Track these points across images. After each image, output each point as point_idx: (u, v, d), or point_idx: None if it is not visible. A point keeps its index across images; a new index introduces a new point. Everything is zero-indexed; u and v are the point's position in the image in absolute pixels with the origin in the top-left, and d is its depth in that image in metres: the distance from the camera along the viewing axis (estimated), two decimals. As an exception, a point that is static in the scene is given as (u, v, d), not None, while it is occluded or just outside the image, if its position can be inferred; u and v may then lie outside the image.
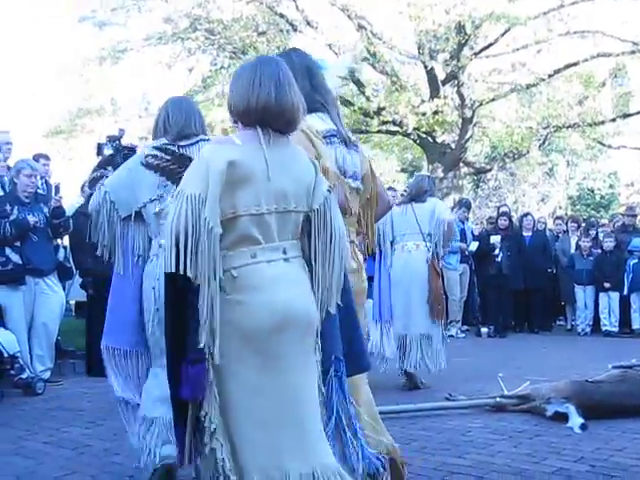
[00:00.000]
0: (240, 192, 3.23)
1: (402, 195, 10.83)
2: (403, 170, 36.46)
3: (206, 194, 3.12)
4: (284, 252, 3.34)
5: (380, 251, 8.89)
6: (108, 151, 5.90)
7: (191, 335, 3.11)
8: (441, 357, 8.59)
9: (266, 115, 3.31)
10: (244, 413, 3.18)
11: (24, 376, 8.18)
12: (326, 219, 3.41)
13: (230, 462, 3.12)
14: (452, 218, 9.24)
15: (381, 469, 3.62)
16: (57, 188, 9.09)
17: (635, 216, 17.06)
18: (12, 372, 8.11)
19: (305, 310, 3.33)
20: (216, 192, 3.14)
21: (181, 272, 3.06)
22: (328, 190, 3.46)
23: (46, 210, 8.62)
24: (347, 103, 24.13)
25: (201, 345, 3.08)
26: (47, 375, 8.67)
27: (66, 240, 9.64)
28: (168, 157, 4.29)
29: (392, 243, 8.95)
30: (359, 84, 24.09)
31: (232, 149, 3.27)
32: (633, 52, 23.33)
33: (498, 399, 7.15)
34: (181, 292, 3.15)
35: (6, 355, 8.07)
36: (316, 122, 4.03)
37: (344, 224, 3.61)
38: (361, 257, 4.20)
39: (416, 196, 9.01)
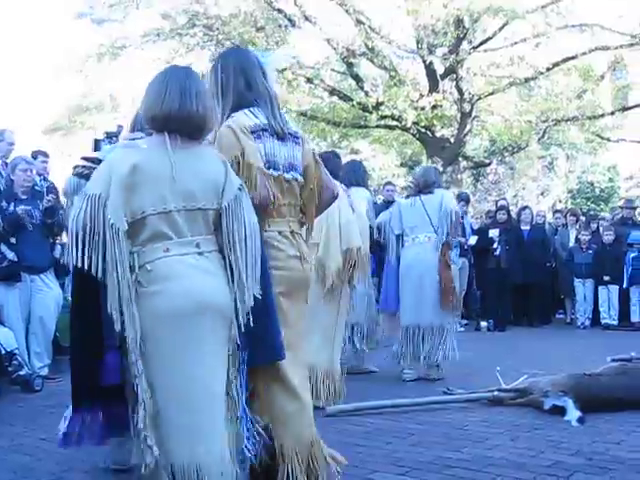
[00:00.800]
0: (147, 193, 3.48)
1: (405, 189, 10.92)
2: (402, 165, 36.39)
3: (107, 194, 3.40)
4: (197, 246, 3.58)
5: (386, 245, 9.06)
6: (106, 147, 5.88)
7: (105, 325, 3.45)
8: (452, 348, 8.62)
9: (171, 122, 3.60)
10: (168, 395, 3.42)
11: (22, 373, 8.16)
12: (237, 215, 3.64)
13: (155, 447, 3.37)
14: (457, 208, 9.26)
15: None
16: (49, 188, 9.06)
17: (634, 209, 17.07)
18: (10, 369, 8.10)
19: (219, 301, 3.55)
20: (117, 192, 3.40)
21: (86, 268, 3.34)
22: (239, 188, 3.70)
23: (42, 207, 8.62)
24: (346, 98, 24.21)
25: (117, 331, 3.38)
26: (45, 372, 8.67)
27: (65, 237, 9.64)
28: (96, 166, 4.35)
29: (401, 235, 9.00)
30: (358, 79, 24.11)
31: (137, 153, 3.57)
32: (631, 45, 23.31)
33: (496, 393, 7.14)
34: (92, 285, 3.46)
35: (4, 352, 8.06)
36: (245, 118, 4.17)
37: (291, 215, 4.17)
38: (304, 247, 4.30)
39: (424, 188, 9.03)
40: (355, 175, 9.04)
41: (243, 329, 3.61)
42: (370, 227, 8.50)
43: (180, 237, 3.54)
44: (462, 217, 14.35)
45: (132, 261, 3.46)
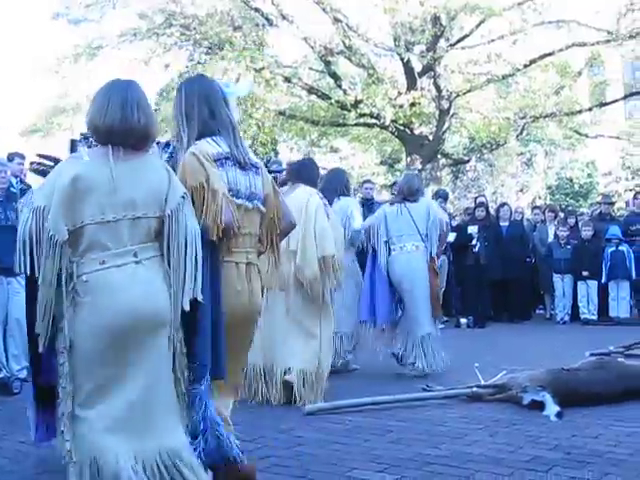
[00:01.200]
0: (86, 203, 3.66)
1: (385, 187, 11.03)
2: (382, 163, 36.43)
3: (50, 206, 3.60)
4: (135, 255, 3.73)
5: (373, 250, 9.04)
6: (83, 149, 5.84)
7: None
8: (438, 354, 8.72)
9: (113, 135, 3.76)
10: (88, 399, 3.63)
11: (0, 375, 8.13)
12: (179, 222, 3.80)
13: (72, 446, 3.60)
14: (446, 217, 9.37)
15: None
16: (23, 190, 8.98)
17: (612, 204, 17.18)
18: (-12, 372, 8.08)
19: (153, 309, 3.72)
20: (58, 203, 3.60)
21: (36, 274, 3.60)
22: (182, 196, 3.85)
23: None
24: (324, 96, 24.18)
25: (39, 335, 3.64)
26: (23, 374, 8.59)
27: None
28: (52, 164, 4.39)
29: (386, 243, 9.00)
30: (336, 77, 24.10)
31: (78, 164, 3.74)
32: (608, 41, 23.42)
33: (475, 389, 7.15)
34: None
35: (-19, 355, 8.03)
36: (208, 146, 4.31)
37: (250, 245, 4.32)
38: (257, 281, 4.43)
39: (408, 195, 9.10)
40: (340, 185, 9.05)
41: (177, 331, 3.82)
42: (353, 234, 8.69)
43: (118, 247, 3.70)
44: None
45: (72, 270, 3.64)
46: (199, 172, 4.17)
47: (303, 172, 7.76)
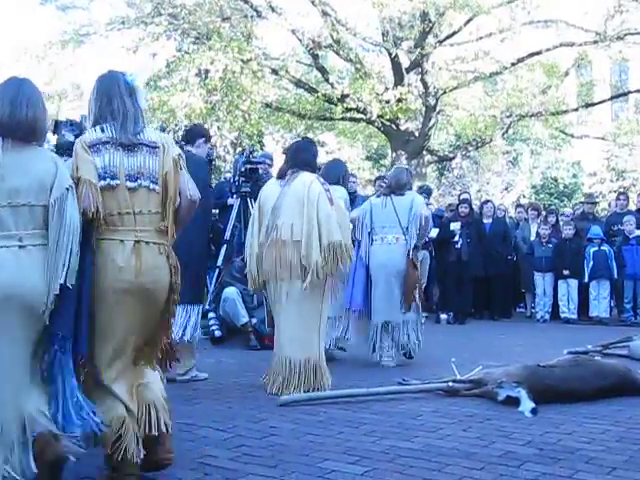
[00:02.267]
0: None
1: (370, 182, 11.11)
2: (368, 158, 36.51)
3: None
4: (20, 240, 4.05)
5: (357, 241, 9.15)
6: (69, 135, 5.80)
7: None
8: (419, 341, 8.99)
9: (2, 128, 4.14)
10: None
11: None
12: (60, 212, 4.09)
13: None
14: (428, 213, 9.44)
15: (98, 431, 4.17)
16: None
17: (595, 204, 17.22)
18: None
19: (29, 291, 4.00)
20: None
21: None
22: (67, 188, 4.14)
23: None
24: (311, 90, 24.16)
25: None
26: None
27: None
28: None
29: (369, 234, 9.19)
30: (323, 71, 24.11)
31: None
32: (596, 42, 23.48)
33: (450, 384, 7.13)
34: None
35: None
36: (89, 134, 4.54)
37: (141, 224, 4.37)
38: (153, 259, 4.44)
39: (396, 189, 9.23)
40: (337, 174, 9.08)
41: (48, 314, 4.05)
42: None
43: (3, 231, 4.03)
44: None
45: None
46: (74, 161, 4.45)
47: (300, 155, 7.75)
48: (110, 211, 4.35)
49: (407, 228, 9.01)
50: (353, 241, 8.91)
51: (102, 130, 4.51)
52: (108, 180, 4.37)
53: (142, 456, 4.33)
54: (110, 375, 4.37)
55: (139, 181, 4.43)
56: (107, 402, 4.34)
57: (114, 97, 4.58)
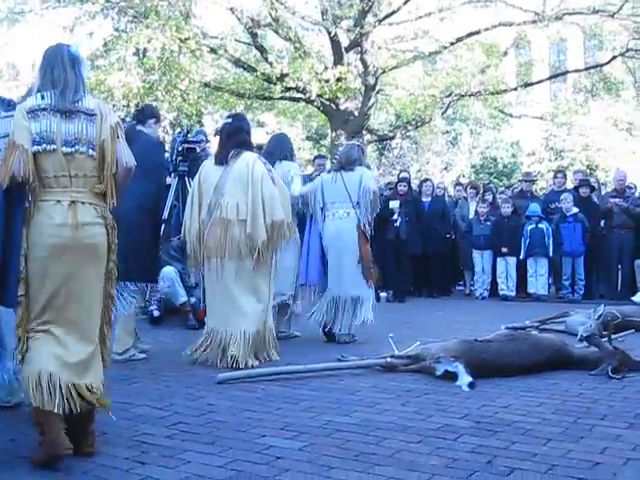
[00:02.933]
0: None
1: (309, 162, 11.23)
2: (308, 138, 36.50)
3: None
4: None
5: (311, 216, 9.42)
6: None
7: None
8: (370, 314, 9.06)
9: None
10: None
11: None
12: None
13: None
14: (376, 187, 9.51)
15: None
16: None
17: (533, 182, 17.37)
18: None
19: None
20: None
21: None
22: None
23: None
24: (250, 69, 23.99)
25: None
26: None
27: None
28: None
29: (322, 209, 9.34)
30: (262, 50, 23.96)
31: None
32: (534, 22, 23.62)
33: (389, 359, 7.15)
34: None
35: None
36: (29, 101, 4.69)
37: (76, 186, 4.56)
38: (88, 216, 4.64)
39: (346, 164, 9.33)
40: (283, 149, 9.38)
41: None
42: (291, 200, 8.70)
43: None
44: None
45: None
46: (12, 127, 4.66)
47: (235, 137, 7.88)
48: (47, 174, 4.54)
49: (357, 203, 9.17)
50: (304, 216, 9.41)
51: (42, 97, 4.65)
52: (44, 145, 4.53)
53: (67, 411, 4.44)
54: (44, 327, 4.54)
55: (76, 147, 4.58)
56: (35, 354, 4.51)
57: (56, 67, 4.72)
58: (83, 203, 4.60)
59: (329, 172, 9.67)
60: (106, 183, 4.68)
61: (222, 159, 7.79)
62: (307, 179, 10.58)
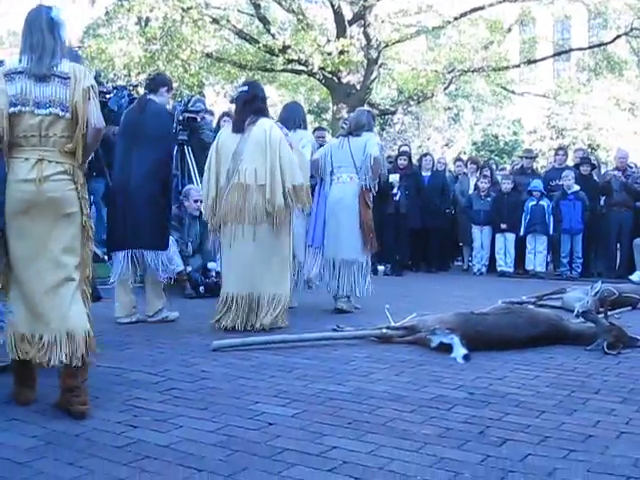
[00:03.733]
0: None
1: (314, 136, 11.28)
2: (310, 111, 36.30)
3: None
4: None
5: (321, 180, 9.57)
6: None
7: None
8: (367, 283, 9.24)
9: None
10: None
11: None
12: None
13: None
14: (378, 154, 9.46)
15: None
16: None
17: (533, 158, 17.31)
18: None
19: None
20: None
21: None
22: None
23: None
24: (253, 41, 23.89)
25: None
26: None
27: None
28: None
29: (330, 174, 9.43)
30: (265, 21, 23.84)
31: None
32: (539, -1, 23.52)
33: (384, 330, 7.14)
34: None
35: None
36: (7, 64, 4.92)
37: (45, 145, 4.74)
38: (54, 175, 4.79)
39: (354, 130, 9.42)
40: (297, 118, 9.51)
41: None
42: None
43: None
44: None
45: None
46: None
47: (252, 105, 7.97)
48: (18, 134, 4.74)
49: (360, 168, 9.24)
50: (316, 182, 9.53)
51: (20, 61, 4.83)
52: (19, 107, 4.73)
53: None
54: (23, 278, 4.79)
55: (50, 109, 4.76)
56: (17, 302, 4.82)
57: (35, 31, 4.86)
58: (50, 161, 4.77)
59: (337, 137, 9.80)
60: (75, 143, 4.82)
61: (239, 126, 7.90)
62: (318, 148, 10.66)
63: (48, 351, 4.63)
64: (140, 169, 7.90)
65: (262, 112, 7.98)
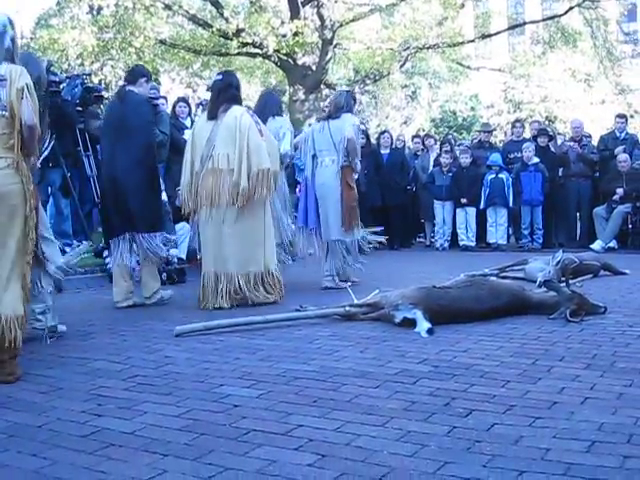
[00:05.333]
0: None
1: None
2: (267, 95, 36.21)
3: None
4: None
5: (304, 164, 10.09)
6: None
7: None
8: (356, 260, 9.89)
9: None
10: None
11: None
12: None
13: None
14: (352, 135, 9.62)
15: None
16: None
17: (491, 132, 17.39)
18: None
19: None
20: None
21: None
22: None
23: None
24: (206, 25, 23.76)
25: None
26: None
27: None
28: None
29: (314, 157, 9.75)
30: (217, 5, 23.70)
31: None
32: (491, -28, 23.53)
33: (347, 308, 7.13)
34: None
35: None
36: None
37: None
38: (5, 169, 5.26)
39: (333, 112, 9.71)
40: (273, 105, 9.86)
41: None
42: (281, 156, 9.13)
43: None
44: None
45: None
46: None
47: (226, 93, 8.36)
48: None
49: (339, 150, 9.52)
50: (300, 165, 10.13)
51: None
52: None
53: None
54: None
55: None
56: None
57: None
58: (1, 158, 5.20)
59: (318, 121, 10.10)
60: (15, 138, 5.21)
61: (213, 114, 8.30)
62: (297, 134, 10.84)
63: None
64: (126, 158, 8.20)
65: (235, 100, 8.34)
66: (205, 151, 8.19)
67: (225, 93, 8.32)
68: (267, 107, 9.69)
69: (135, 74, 8.69)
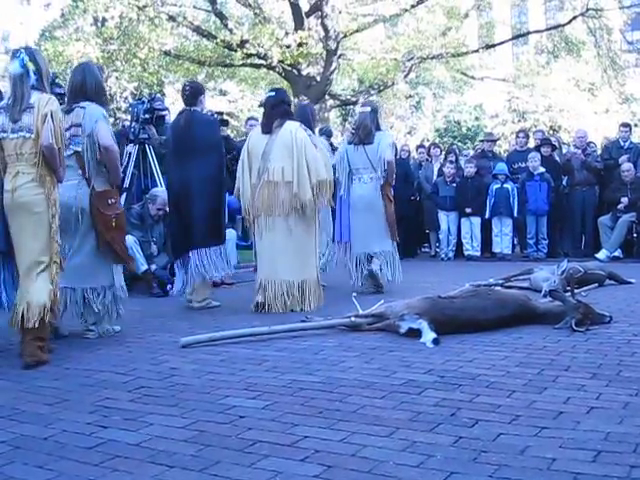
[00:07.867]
0: None
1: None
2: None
3: None
4: None
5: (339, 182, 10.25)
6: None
7: None
8: (398, 269, 10.12)
9: None
10: None
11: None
12: None
13: None
14: (391, 157, 10.07)
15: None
16: None
17: (494, 142, 17.38)
18: None
19: None
20: None
21: None
22: None
23: None
24: (210, 36, 23.80)
25: None
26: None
27: None
28: None
29: (349, 174, 10.15)
30: (222, 17, 23.75)
31: None
32: (495, -18, 23.57)
33: (353, 318, 7.13)
34: None
35: None
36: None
37: (21, 161, 6.13)
38: (25, 184, 6.16)
39: (365, 139, 10.00)
40: (304, 121, 9.65)
41: None
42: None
43: None
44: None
45: None
46: None
47: (278, 109, 8.81)
48: (5, 154, 6.20)
49: (378, 168, 9.94)
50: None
51: (1, 101, 6.57)
52: (2, 134, 6.19)
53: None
54: (21, 270, 6.19)
55: (20, 133, 6.13)
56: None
57: (14, 85, 6.19)
58: (23, 173, 6.14)
59: (350, 144, 10.27)
60: (38, 157, 6.12)
61: (267, 128, 8.76)
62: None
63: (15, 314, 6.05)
64: (195, 174, 8.70)
65: (288, 115, 8.84)
66: (261, 165, 8.63)
67: (278, 108, 8.77)
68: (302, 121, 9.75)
69: (195, 94, 9.00)
